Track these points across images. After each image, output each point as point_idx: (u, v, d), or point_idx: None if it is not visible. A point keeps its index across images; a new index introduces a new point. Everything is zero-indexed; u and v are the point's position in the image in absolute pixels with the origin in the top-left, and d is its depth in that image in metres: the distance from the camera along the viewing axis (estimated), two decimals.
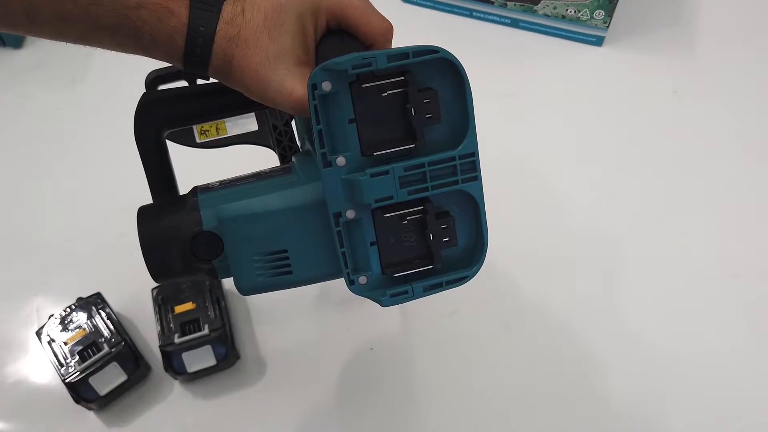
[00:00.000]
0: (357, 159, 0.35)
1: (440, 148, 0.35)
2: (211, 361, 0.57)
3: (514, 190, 0.69)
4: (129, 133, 0.45)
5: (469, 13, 0.85)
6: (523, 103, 0.77)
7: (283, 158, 0.54)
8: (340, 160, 0.35)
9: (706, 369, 0.58)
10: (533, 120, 0.75)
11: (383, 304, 0.36)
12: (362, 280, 0.37)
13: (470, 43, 0.83)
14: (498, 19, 0.84)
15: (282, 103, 0.38)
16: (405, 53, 0.33)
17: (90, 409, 0.57)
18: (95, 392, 0.55)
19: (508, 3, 0.81)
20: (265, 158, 0.53)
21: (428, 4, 0.86)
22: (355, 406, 0.58)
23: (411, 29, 0.88)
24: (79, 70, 0.81)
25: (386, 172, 0.34)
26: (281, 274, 0.39)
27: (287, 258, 0.39)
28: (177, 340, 0.56)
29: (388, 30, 0.39)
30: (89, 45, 0.39)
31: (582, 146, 0.73)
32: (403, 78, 0.34)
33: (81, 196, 0.71)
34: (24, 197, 0.72)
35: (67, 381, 0.55)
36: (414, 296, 0.37)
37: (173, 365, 0.57)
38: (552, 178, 0.70)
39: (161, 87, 0.52)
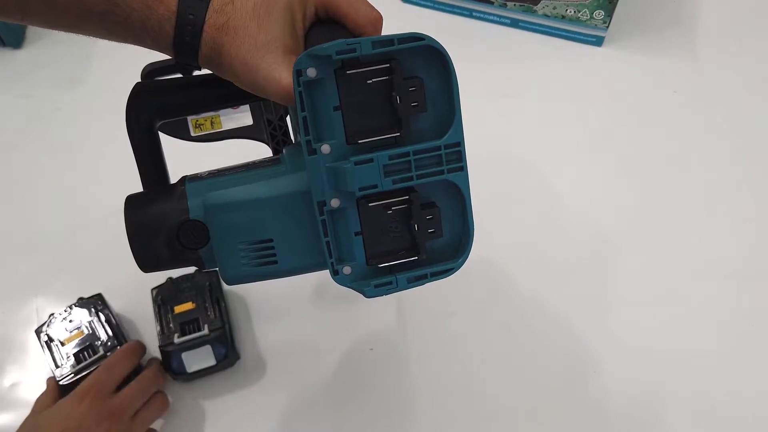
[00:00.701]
0: (342, 147, 0.35)
1: (426, 137, 0.35)
2: (211, 361, 0.57)
3: (513, 190, 0.69)
4: None
5: (469, 13, 0.85)
6: (523, 102, 0.77)
7: (276, 153, 0.54)
8: (325, 148, 0.34)
9: (707, 369, 0.58)
10: (532, 120, 0.75)
11: (367, 295, 0.36)
12: (346, 270, 0.36)
13: (470, 43, 0.83)
14: (498, 19, 0.84)
15: (270, 92, 0.38)
16: (390, 40, 0.33)
17: None
18: None
19: (508, 3, 0.81)
20: (259, 153, 0.53)
21: (428, 4, 0.86)
22: (355, 406, 0.58)
23: (411, 29, 0.88)
24: (79, 71, 0.81)
25: (370, 160, 0.34)
26: (266, 263, 0.39)
27: (272, 248, 0.39)
28: (176, 340, 0.56)
29: (377, 19, 0.39)
30: (81, 33, 0.39)
31: (581, 146, 0.73)
32: (388, 65, 0.34)
33: (81, 195, 0.71)
34: (24, 197, 0.72)
35: (60, 382, 0.55)
36: (398, 288, 0.36)
37: (173, 365, 0.57)
38: (551, 177, 0.70)
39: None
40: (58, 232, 0.69)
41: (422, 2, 0.86)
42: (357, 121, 0.34)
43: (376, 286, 0.36)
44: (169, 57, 0.41)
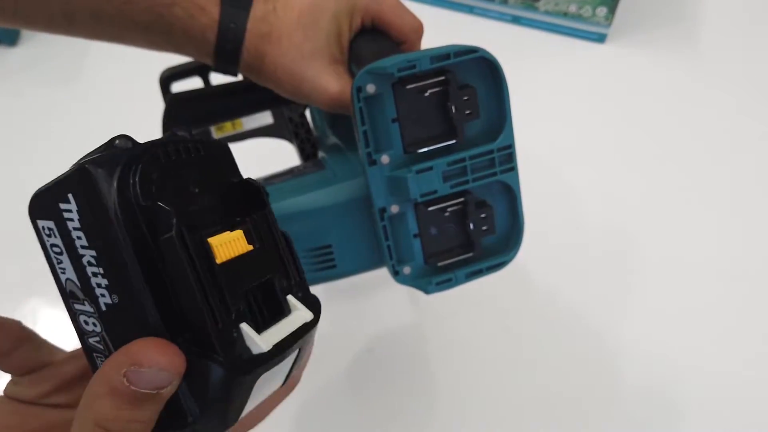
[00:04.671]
0: (400, 156, 0.37)
1: (477, 141, 0.38)
2: None
3: None
4: (126, 131, 0.45)
5: (470, 10, 0.85)
6: (524, 100, 0.77)
7: (302, 150, 0.55)
8: (384, 159, 0.36)
9: (714, 372, 0.58)
10: (534, 118, 0.75)
11: (428, 292, 0.39)
12: (406, 270, 0.39)
13: (471, 40, 0.83)
14: (499, 15, 0.84)
15: (316, 100, 0.40)
16: (446, 54, 0.35)
17: None
18: None
19: None
20: (280, 148, 0.53)
21: (428, 0, 0.86)
22: (355, 407, 0.58)
23: None
24: (74, 69, 0.82)
25: (430, 168, 0.36)
26: (326, 268, 0.41)
27: (331, 253, 0.41)
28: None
29: (420, 27, 0.42)
30: (122, 44, 0.41)
31: (583, 144, 0.73)
32: (444, 78, 0.36)
33: None
34: (19, 196, 0.72)
35: None
36: (457, 283, 0.39)
37: None
38: (553, 176, 0.70)
39: (175, 84, 0.51)
40: None
41: None
42: (414, 130, 0.37)
43: (437, 284, 0.38)
44: (187, 60, 0.42)
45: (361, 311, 0.63)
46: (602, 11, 0.79)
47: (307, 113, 0.55)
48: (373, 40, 0.41)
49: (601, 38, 0.82)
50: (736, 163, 0.71)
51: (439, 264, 0.39)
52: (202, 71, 0.47)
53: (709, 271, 0.63)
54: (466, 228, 0.38)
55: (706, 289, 0.62)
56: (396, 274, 0.39)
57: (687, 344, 0.59)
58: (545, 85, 0.79)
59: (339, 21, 0.40)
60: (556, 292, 0.63)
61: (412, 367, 0.61)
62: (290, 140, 0.56)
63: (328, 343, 0.61)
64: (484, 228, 0.39)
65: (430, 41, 0.86)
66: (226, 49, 0.39)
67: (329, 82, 0.39)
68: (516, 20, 0.84)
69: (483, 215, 0.38)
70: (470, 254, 0.39)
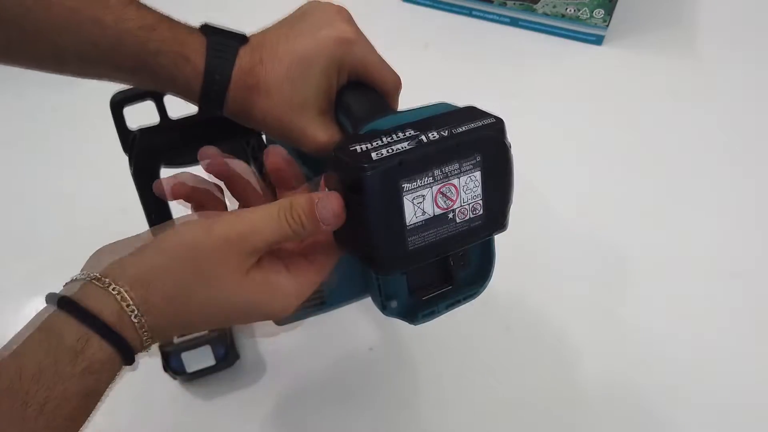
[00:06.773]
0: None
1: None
2: (211, 361, 0.57)
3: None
4: None
5: (468, 12, 0.85)
6: (522, 102, 0.78)
7: (260, 172, 0.55)
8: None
9: (710, 369, 0.58)
10: (532, 119, 0.76)
11: (415, 324, 0.42)
12: (393, 304, 0.41)
13: (469, 42, 0.84)
14: (497, 18, 0.85)
15: (304, 146, 0.42)
16: None
17: None
18: None
19: (508, 2, 0.82)
20: None
21: (427, 3, 0.87)
22: (355, 406, 0.59)
23: (410, 29, 0.89)
24: None
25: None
26: (316, 305, 0.44)
27: (322, 292, 0.43)
28: (176, 339, 0.57)
29: (399, 83, 0.44)
30: (112, 81, 0.43)
31: (581, 145, 0.74)
32: None
33: (80, 195, 0.72)
34: (23, 197, 0.73)
35: None
36: (439, 314, 0.42)
37: (172, 365, 0.57)
38: (550, 177, 0.71)
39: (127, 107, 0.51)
40: (58, 232, 0.70)
41: (421, 1, 0.87)
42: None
43: (422, 317, 0.41)
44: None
45: (361, 310, 0.63)
46: (600, 13, 0.79)
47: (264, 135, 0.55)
48: (362, 93, 0.43)
49: (598, 40, 0.83)
50: (734, 164, 0.71)
51: (423, 298, 0.42)
52: (155, 95, 0.47)
53: (698, 272, 0.64)
54: (447, 265, 0.41)
55: (694, 290, 0.63)
56: (384, 308, 0.41)
57: (686, 344, 0.60)
58: (543, 86, 0.80)
59: (328, 75, 0.41)
60: (557, 293, 0.63)
61: (412, 365, 0.61)
62: (247, 162, 0.56)
63: (327, 341, 0.61)
64: (462, 263, 0.42)
65: (429, 41, 0.87)
66: (211, 98, 0.40)
67: (317, 132, 0.40)
68: (514, 22, 0.85)
69: (461, 253, 0.41)
70: (449, 287, 0.42)
